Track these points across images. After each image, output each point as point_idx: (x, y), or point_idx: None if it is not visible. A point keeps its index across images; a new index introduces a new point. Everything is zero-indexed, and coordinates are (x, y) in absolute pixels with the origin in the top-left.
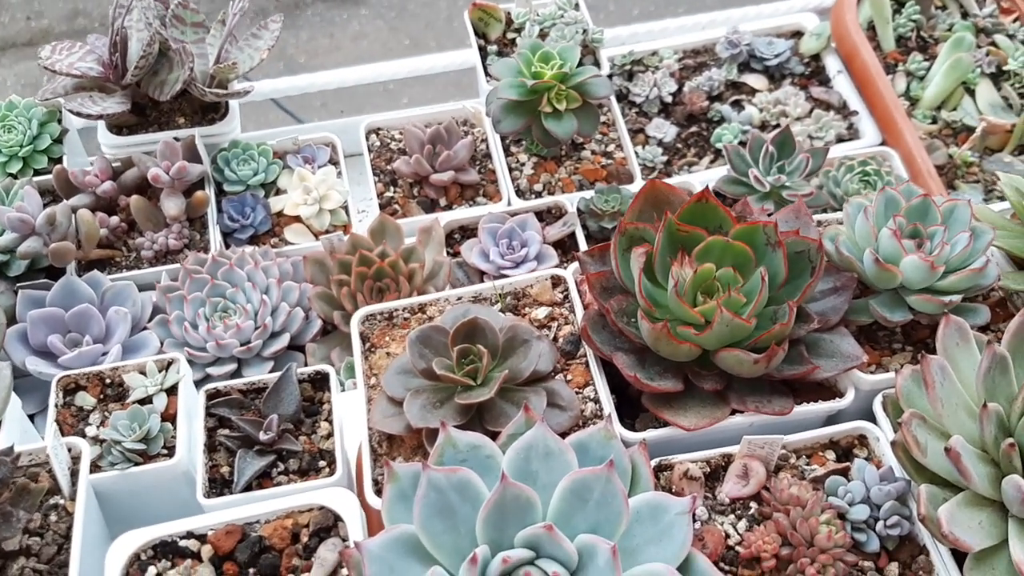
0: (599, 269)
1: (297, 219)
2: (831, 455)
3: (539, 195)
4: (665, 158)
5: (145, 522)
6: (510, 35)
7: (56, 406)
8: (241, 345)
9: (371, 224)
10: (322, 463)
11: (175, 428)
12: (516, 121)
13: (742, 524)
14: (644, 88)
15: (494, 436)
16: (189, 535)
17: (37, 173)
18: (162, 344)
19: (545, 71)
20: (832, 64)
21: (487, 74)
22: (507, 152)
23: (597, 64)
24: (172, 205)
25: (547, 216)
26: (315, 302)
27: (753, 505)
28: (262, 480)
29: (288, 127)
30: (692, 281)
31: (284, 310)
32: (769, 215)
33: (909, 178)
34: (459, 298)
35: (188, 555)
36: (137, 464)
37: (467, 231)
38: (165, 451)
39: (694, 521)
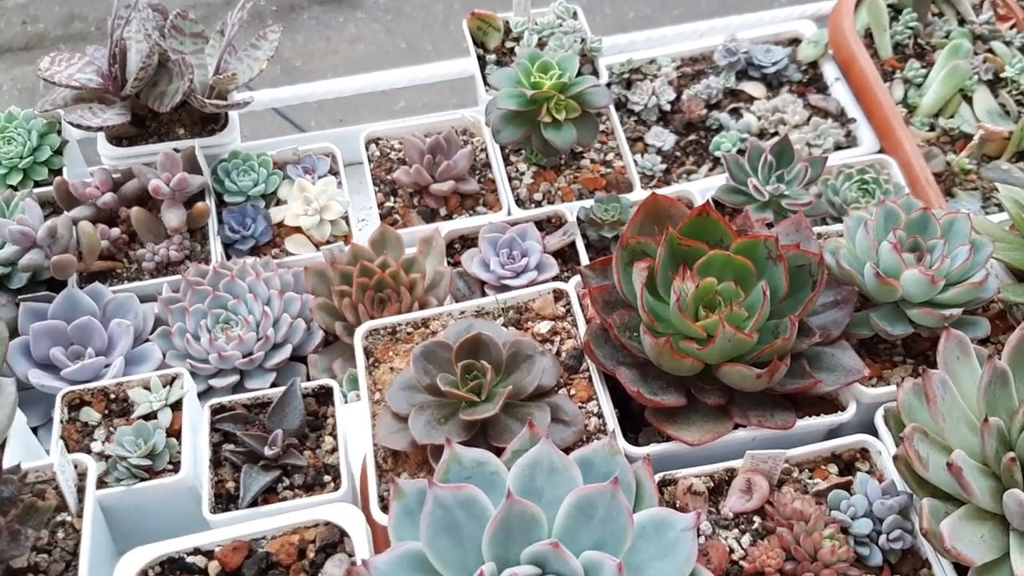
0: (601, 283)
1: (298, 230)
2: (833, 469)
3: (539, 204)
4: (664, 166)
5: (151, 538)
6: (509, 44)
7: (61, 422)
8: (243, 357)
9: (372, 235)
10: (327, 478)
11: (180, 443)
12: (516, 131)
13: (746, 539)
14: (642, 96)
15: (498, 452)
16: (196, 551)
17: (37, 185)
18: (164, 356)
19: (544, 81)
20: (830, 71)
21: (486, 83)
22: (507, 161)
23: (595, 73)
24: (173, 216)
25: (547, 225)
26: (317, 313)
27: (757, 519)
28: (268, 495)
29: (287, 136)
30: (694, 295)
31: (286, 321)
32: (769, 225)
33: (907, 185)
34: (462, 312)
35: (195, 571)
36: (143, 480)
37: (467, 241)
38: (171, 466)
39: (698, 536)
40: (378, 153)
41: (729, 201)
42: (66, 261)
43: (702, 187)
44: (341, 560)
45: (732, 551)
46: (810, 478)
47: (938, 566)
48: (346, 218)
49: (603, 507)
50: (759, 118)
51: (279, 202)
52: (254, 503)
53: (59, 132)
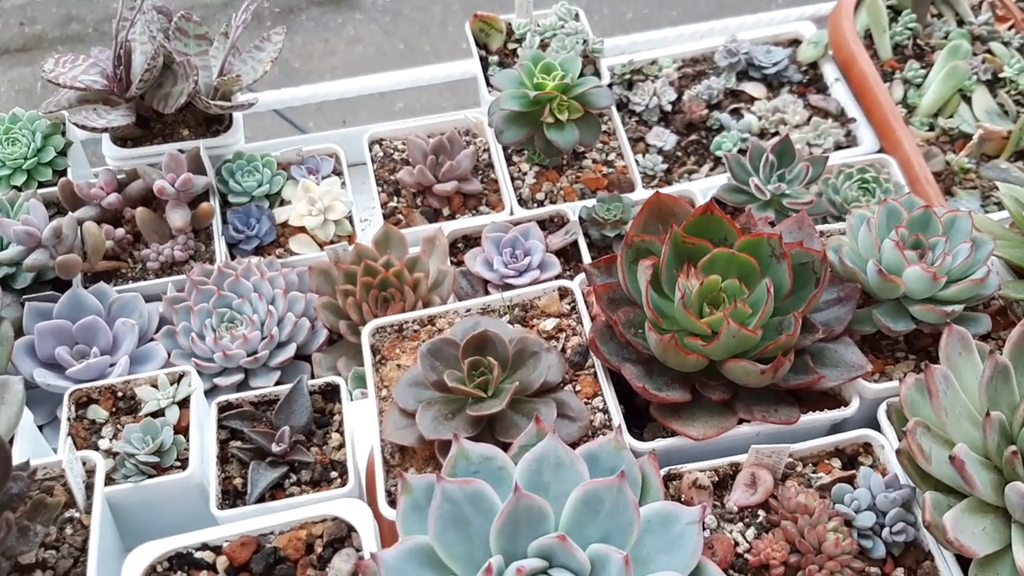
0: (606, 281)
1: (302, 230)
2: (837, 463)
3: (541, 204)
4: (665, 166)
5: (158, 534)
6: (511, 46)
7: (68, 419)
8: (248, 355)
9: (376, 234)
10: (334, 474)
11: (188, 440)
12: (519, 132)
13: (751, 532)
14: (644, 97)
15: (505, 447)
16: (204, 547)
17: (42, 185)
18: (169, 355)
19: (547, 82)
20: (830, 72)
21: (489, 85)
22: (509, 161)
23: (597, 74)
24: (177, 217)
25: (549, 225)
26: (321, 312)
27: (761, 513)
28: (275, 491)
29: (291, 137)
30: (698, 293)
31: (290, 320)
32: (771, 224)
33: (907, 185)
34: (468, 310)
35: (204, 567)
36: (151, 477)
37: (470, 240)
38: (178, 463)
39: (704, 530)
40: (381, 154)
41: (731, 200)
42: (71, 261)
43: (703, 187)
44: (349, 555)
45: (737, 544)
46: (814, 472)
47: (941, 558)
48: (350, 218)
49: (609, 501)
50: (760, 118)
51: (283, 202)
52: (261, 499)
53: (63, 133)
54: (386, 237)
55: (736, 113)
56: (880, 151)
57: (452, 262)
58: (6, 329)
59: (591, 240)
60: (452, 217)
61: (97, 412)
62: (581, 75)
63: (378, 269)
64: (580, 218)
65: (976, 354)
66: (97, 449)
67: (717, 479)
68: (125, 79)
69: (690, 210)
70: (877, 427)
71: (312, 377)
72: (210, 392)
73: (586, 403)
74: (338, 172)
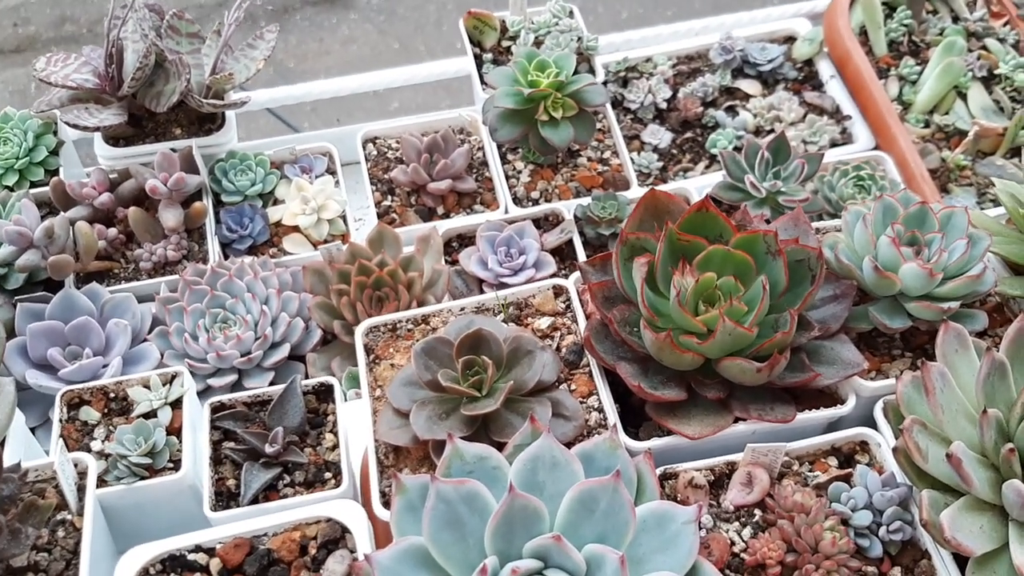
0: (601, 279)
1: (295, 229)
2: (833, 461)
3: (536, 202)
4: (661, 164)
5: (151, 536)
6: (505, 43)
7: (60, 421)
8: (242, 356)
9: (370, 233)
10: (328, 475)
11: (180, 442)
12: (513, 130)
13: (747, 531)
14: (639, 94)
15: (500, 447)
16: (198, 549)
17: (33, 185)
18: (162, 356)
19: (541, 79)
20: (825, 69)
21: (483, 82)
22: (504, 160)
23: (592, 71)
24: (170, 216)
25: (544, 223)
26: (315, 312)
27: (757, 512)
28: (268, 493)
29: (284, 136)
30: (694, 290)
31: (284, 320)
32: (767, 221)
33: (903, 181)
34: (462, 309)
35: (197, 569)
36: (143, 478)
37: (465, 239)
38: (171, 465)
39: (699, 529)
40: (375, 152)
41: (726, 198)
42: (63, 261)
43: (699, 184)
44: (343, 556)
45: (733, 544)
46: (810, 471)
47: (938, 557)
48: (344, 217)
49: (605, 501)
50: (755, 115)
51: (276, 202)
52: (255, 500)
53: (55, 133)
54: (380, 236)
55: (731, 110)
56: (876, 148)
57: (446, 261)
58: None
59: (586, 238)
60: (446, 216)
61: (89, 413)
62: (576, 72)
63: (372, 268)
64: (575, 216)
65: (973, 351)
66: (89, 451)
67: (713, 478)
68: (117, 78)
69: (685, 207)
70: (874, 425)
71: (306, 377)
72: (203, 393)
73: (581, 402)
74: (332, 171)
